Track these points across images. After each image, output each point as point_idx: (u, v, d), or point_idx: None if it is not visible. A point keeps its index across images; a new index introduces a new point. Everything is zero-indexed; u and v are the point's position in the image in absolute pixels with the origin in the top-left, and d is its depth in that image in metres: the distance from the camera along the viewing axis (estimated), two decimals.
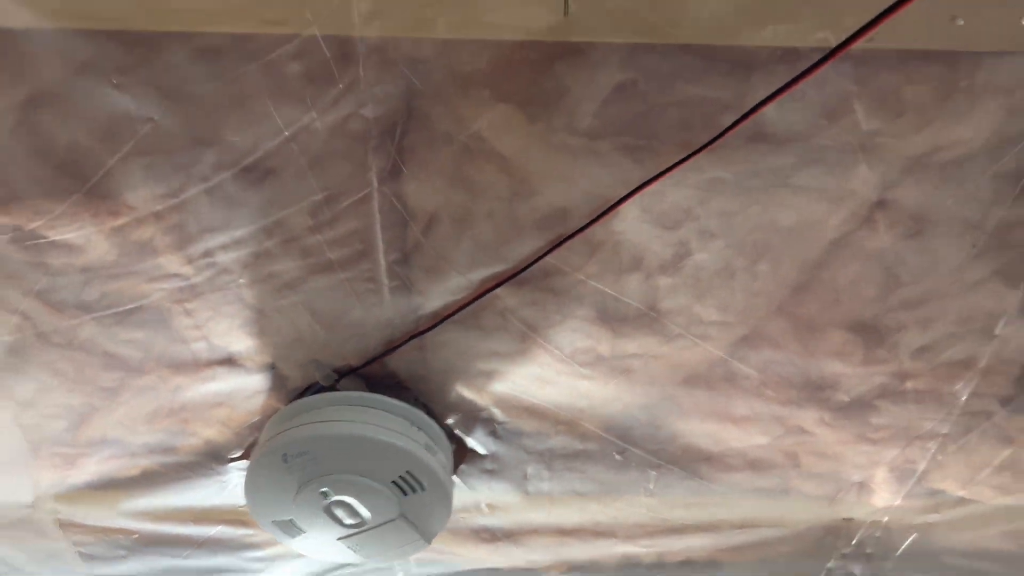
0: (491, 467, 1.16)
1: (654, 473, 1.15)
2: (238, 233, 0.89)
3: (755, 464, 1.14)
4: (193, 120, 0.80)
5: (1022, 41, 0.77)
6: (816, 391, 1.04)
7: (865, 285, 0.94)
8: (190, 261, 0.91)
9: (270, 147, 0.82)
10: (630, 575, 1.33)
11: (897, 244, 0.90)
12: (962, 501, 1.19)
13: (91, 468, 1.15)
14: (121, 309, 0.95)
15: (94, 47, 0.76)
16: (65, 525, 1.23)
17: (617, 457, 1.13)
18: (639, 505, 1.20)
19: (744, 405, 1.06)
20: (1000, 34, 0.77)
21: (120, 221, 0.87)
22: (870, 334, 0.98)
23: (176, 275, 0.92)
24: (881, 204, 0.87)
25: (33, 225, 0.87)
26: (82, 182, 0.84)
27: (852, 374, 1.01)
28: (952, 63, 0.79)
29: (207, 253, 0.90)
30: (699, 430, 1.09)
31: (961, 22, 0.76)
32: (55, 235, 0.88)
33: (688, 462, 1.14)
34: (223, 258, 0.91)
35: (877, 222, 0.89)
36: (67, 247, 0.89)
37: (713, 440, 1.11)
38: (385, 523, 1.07)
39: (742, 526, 1.24)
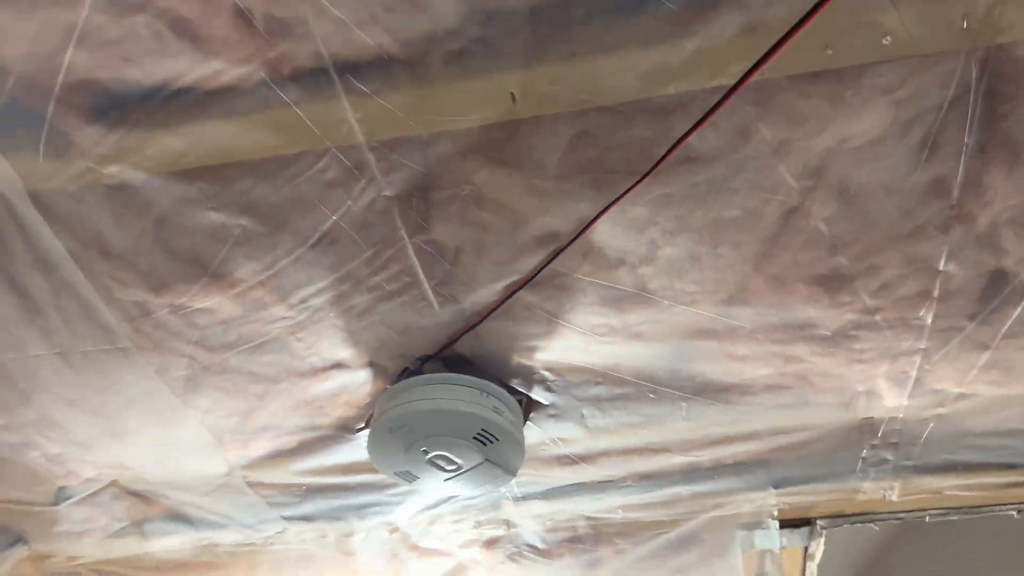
0: (554, 412, 1.45)
1: (685, 404, 1.39)
2: (320, 284, 1.19)
3: (771, 388, 1.36)
4: (269, 219, 1.10)
5: (889, 53, 0.91)
6: (799, 331, 1.24)
7: (815, 249, 1.11)
8: (292, 308, 1.23)
9: (325, 228, 1.11)
10: (693, 477, 1.59)
11: (832, 215, 1.07)
12: (963, 396, 1.35)
13: (262, 446, 1.54)
14: (253, 344, 1.30)
15: (188, 185, 1.06)
16: (253, 485, 1.65)
17: (651, 396, 1.38)
18: (681, 428, 1.45)
19: (744, 347, 1.28)
20: (870, 51, 0.92)
21: (237, 290, 1.19)
22: (830, 284, 1.16)
23: (285, 317, 1.25)
24: (808, 189, 1.05)
25: (181, 301, 1.21)
26: (205, 269, 1.16)
27: (825, 315, 1.20)
28: (837, 77, 0.94)
29: (303, 300, 1.22)
30: (713, 369, 1.32)
31: (831, 52, 0.91)
32: (197, 304, 1.22)
33: (711, 393, 1.37)
34: (314, 302, 1.22)
35: (810, 203, 1.06)
36: (207, 311, 1.23)
37: (727, 374, 1.33)
38: (475, 466, 1.39)
39: (776, 433, 1.47)
